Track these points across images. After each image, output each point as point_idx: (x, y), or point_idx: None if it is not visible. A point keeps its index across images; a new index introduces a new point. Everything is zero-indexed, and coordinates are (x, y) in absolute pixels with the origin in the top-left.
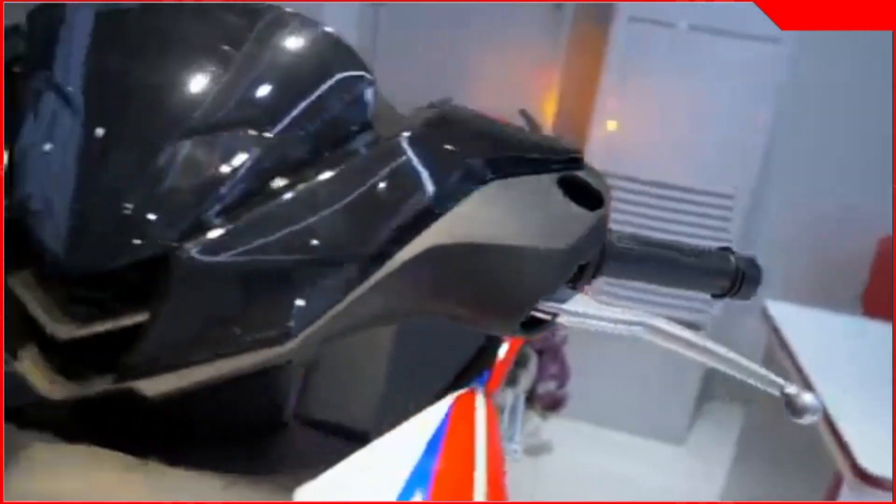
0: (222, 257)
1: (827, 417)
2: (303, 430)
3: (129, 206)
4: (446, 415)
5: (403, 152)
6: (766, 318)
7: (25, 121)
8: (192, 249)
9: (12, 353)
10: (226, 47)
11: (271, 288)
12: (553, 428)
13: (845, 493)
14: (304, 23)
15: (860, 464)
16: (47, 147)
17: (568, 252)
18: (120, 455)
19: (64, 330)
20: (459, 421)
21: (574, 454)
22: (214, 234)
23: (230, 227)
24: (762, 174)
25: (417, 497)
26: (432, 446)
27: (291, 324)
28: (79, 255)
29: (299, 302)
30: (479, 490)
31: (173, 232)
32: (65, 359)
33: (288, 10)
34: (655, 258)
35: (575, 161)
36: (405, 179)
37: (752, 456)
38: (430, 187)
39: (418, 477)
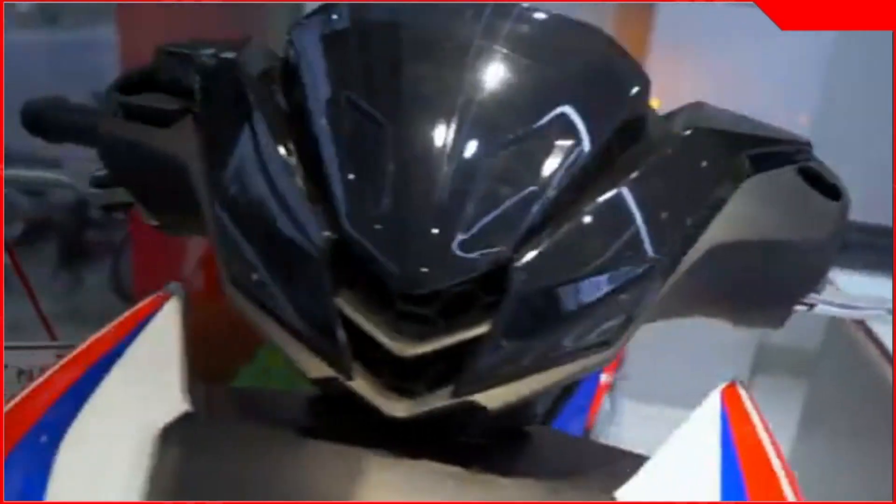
0: (555, 269)
1: None
2: (541, 435)
3: (465, 222)
4: (722, 409)
5: (686, 157)
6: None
7: (330, 142)
8: (528, 262)
9: (346, 373)
10: (515, 54)
11: (594, 294)
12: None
13: None
14: (588, 28)
15: None
16: (367, 167)
17: (830, 243)
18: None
19: (405, 347)
20: (736, 415)
21: (629, 431)
22: (545, 245)
23: (557, 237)
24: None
25: (740, 498)
26: (726, 443)
27: (614, 329)
28: (423, 274)
29: (619, 307)
30: (787, 488)
31: (508, 245)
32: (394, 376)
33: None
34: (874, 245)
35: (805, 151)
36: (688, 184)
37: (816, 430)
38: (706, 190)
39: (730, 476)
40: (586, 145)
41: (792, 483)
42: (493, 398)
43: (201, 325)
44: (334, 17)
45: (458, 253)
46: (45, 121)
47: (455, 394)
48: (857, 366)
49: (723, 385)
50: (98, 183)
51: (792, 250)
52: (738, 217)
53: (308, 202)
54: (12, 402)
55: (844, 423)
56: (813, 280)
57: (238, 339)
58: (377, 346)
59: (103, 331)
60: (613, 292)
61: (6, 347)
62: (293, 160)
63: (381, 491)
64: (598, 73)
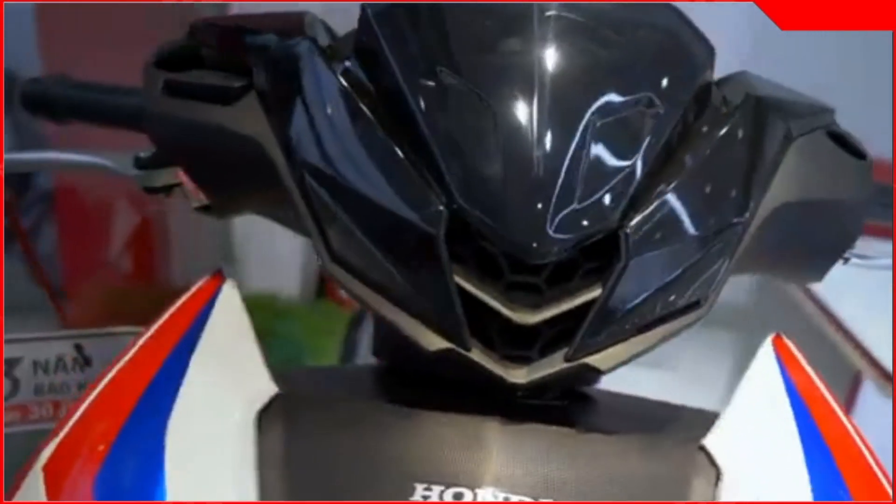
0: (659, 234)
1: (844, 329)
2: (599, 395)
3: (577, 192)
4: (778, 359)
5: (749, 124)
6: None
7: (432, 118)
8: (636, 229)
9: (465, 345)
10: (594, 26)
11: (692, 257)
12: None
13: (868, 389)
14: (661, 3)
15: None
16: (473, 142)
17: (868, 200)
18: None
19: (524, 316)
20: (791, 364)
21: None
22: (647, 212)
23: (657, 203)
24: None
25: (817, 440)
26: (791, 391)
27: (709, 289)
28: (543, 244)
29: (710, 268)
30: (850, 427)
31: (615, 214)
32: (506, 345)
33: None
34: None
35: (830, 115)
36: (754, 150)
37: None
38: (767, 155)
39: (804, 421)
40: (670, 113)
41: (851, 422)
42: (605, 360)
43: (133, 306)
44: None
45: (572, 222)
46: (51, 100)
47: (569, 358)
48: (791, 319)
49: (771, 337)
50: (142, 164)
51: (837, 208)
52: (790, 179)
53: (419, 177)
54: (88, 399)
55: None
56: (854, 235)
57: None
58: (488, 316)
59: (163, 318)
60: (706, 254)
61: (19, 340)
62: (386, 135)
63: (504, 455)
64: (671, 42)
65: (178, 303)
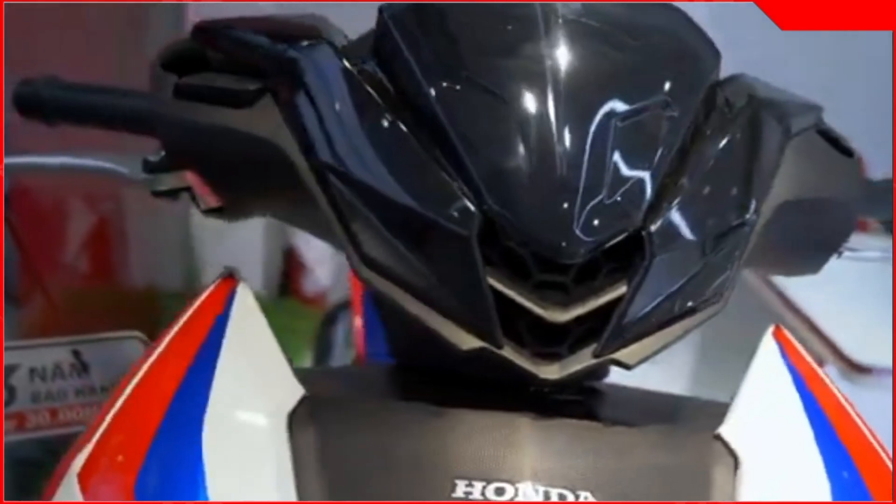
0: (680, 232)
1: (803, 316)
2: (608, 389)
3: (600, 193)
4: (781, 349)
5: (752, 124)
6: None
7: (459, 121)
8: (659, 228)
9: (498, 344)
10: (610, 31)
11: (711, 254)
12: None
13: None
14: (667, 6)
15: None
16: (501, 145)
17: (859, 196)
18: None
19: (555, 314)
20: (792, 354)
21: None
22: (669, 211)
23: (677, 203)
24: None
25: (825, 426)
26: (797, 379)
27: (725, 285)
28: (571, 244)
29: (727, 263)
30: (852, 412)
31: (638, 213)
32: (536, 342)
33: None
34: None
35: (818, 113)
36: (758, 148)
37: (714, 371)
38: (770, 153)
39: (812, 408)
40: (684, 116)
41: (853, 407)
42: (631, 355)
43: (94, 306)
44: None
45: (598, 222)
46: (45, 102)
47: (598, 354)
48: (750, 305)
49: (771, 328)
50: (151, 168)
51: (831, 204)
52: (788, 178)
53: (449, 180)
54: (115, 407)
55: (743, 362)
56: (848, 230)
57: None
58: (517, 314)
59: (180, 323)
60: (724, 250)
61: (16, 347)
62: (410, 135)
63: (538, 450)
64: (682, 45)
65: (194, 306)
